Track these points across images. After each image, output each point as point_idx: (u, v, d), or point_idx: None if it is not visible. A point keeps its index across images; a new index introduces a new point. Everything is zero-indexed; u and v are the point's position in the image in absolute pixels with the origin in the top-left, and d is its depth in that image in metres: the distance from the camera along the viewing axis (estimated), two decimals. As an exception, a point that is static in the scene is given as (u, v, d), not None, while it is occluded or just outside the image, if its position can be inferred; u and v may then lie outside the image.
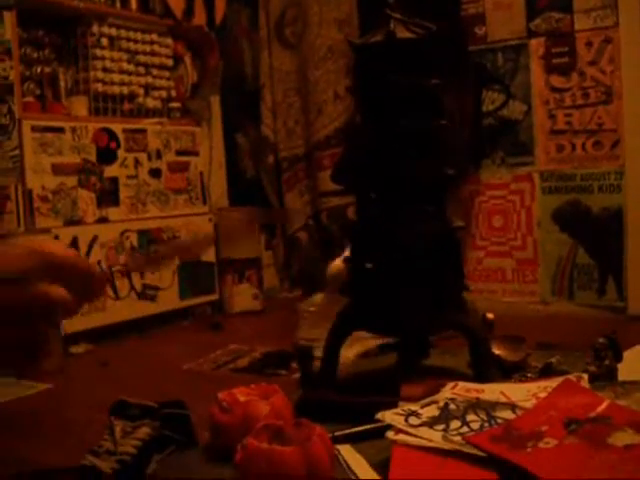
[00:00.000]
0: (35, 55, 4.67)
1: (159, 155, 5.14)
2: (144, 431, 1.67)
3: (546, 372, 1.64)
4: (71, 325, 4.29)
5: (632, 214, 4.71)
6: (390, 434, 1.23)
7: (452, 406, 1.32)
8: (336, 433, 1.30)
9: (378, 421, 1.30)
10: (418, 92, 1.60)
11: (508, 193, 5.16)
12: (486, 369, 1.59)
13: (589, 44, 4.86)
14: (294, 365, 3.31)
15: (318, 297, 1.99)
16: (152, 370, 3.91)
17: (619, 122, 4.78)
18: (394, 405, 1.34)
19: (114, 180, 4.82)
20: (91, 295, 0.80)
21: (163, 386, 3.42)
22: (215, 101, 5.83)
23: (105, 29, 4.91)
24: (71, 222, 4.53)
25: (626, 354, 1.67)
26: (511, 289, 5.17)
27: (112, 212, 4.79)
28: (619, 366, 1.58)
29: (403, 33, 1.55)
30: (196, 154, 5.46)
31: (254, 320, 5.15)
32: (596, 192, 4.86)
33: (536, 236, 5.08)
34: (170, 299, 5.09)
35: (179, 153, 5.31)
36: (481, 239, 5.23)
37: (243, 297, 5.43)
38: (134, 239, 4.88)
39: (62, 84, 4.78)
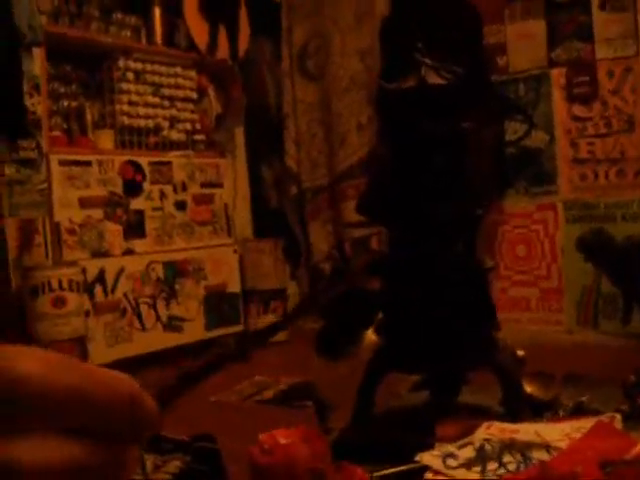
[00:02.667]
0: (62, 90, 4.75)
1: (184, 187, 5.19)
2: (175, 465, 1.68)
3: (578, 411, 1.65)
4: (98, 356, 4.34)
5: (656, 242, 4.71)
6: (429, 475, 1.25)
7: (488, 447, 1.33)
8: (375, 474, 1.32)
9: (415, 461, 1.32)
10: (446, 135, 1.63)
11: (531, 222, 5.17)
12: (518, 408, 1.61)
13: (610, 73, 4.88)
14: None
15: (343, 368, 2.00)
16: (180, 401, 3.93)
17: (642, 151, 4.79)
18: (430, 446, 1.36)
19: (140, 212, 4.87)
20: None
21: (192, 418, 3.44)
22: (239, 133, 5.89)
23: (131, 63, 4.99)
24: (98, 254, 4.58)
25: (657, 391, 1.68)
26: (536, 318, 5.16)
27: (138, 244, 4.84)
28: (651, 404, 1.60)
29: (434, 79, 1.59)
30: (220, 186, 5.51)
31: (279, 351, 5.15)
32: (619, 221, 4.86)
33: (560, 265, 5.08)
34: (196, 330, 5.13)
35: (204, 185, 5.36)
36: (505, 269, 5.24)
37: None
38: (160, 271, 4.92)
39: (89, 118, 4.85)
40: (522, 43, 5.19)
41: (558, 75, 5.07)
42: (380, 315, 1.72)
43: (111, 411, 0.42)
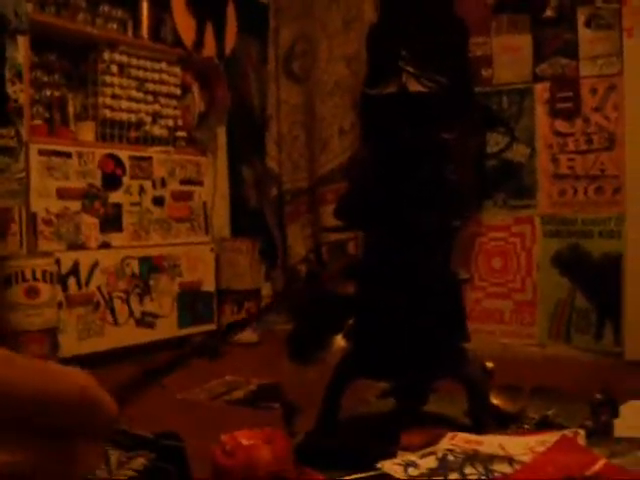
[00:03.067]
0: (45, 79, 4.72)
1: (163, 183, 5.18)
2: (140, 462, 1.67)
3: (543, 424, 1.66)
4: (69, 349, 4.31)
5: (631, 260, 4.73)
6: (389, 484, 1.25)
7: (450, 458, 1.33)
8: (336, 480, 1.32)
9: (377, 469, 1.32)
10: (427, 144, 1.63)
11: (509, 235, 5.19)
12: (483, 419, 1.61)
13: (594, 90, 4.91)
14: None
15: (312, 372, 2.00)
16: (147, 398, 3.91)
17: (621, 169, 4.81)
18: (393, 454, 1.35)
19: (118, 206, 4.85)
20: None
21: (158, 415, 3.42)
22: (221, 132, 5.88)
23: (116, 56, 4.97)
24: (73, 246, 4.55)
25: (622, 408, 1.69)
26: (508, 331, 5.18)
27: (114, 238, 4.82)
28: (615, 421, 1.60)
29: (415, 87, 1.59)
30: (200, 184, 5.50)
31: (251, 351, 5.15)
32: (596, 237, 4.89)
33: (535, 278, 5.11)
34: (169, 327, 5.11)
35: (183, 182, 5.34)
36: (480, 280, 5.25)
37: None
38: (135, 266, 4.90)
39: (71, 109, 4.82)
40: (507, 56, 5.22)
41: (542, 90, 5.09)
42: (351, 320, 1.72)
43: (61, 406, 0.41)
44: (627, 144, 4.78)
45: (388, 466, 1.28)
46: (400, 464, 1.29)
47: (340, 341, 1.76)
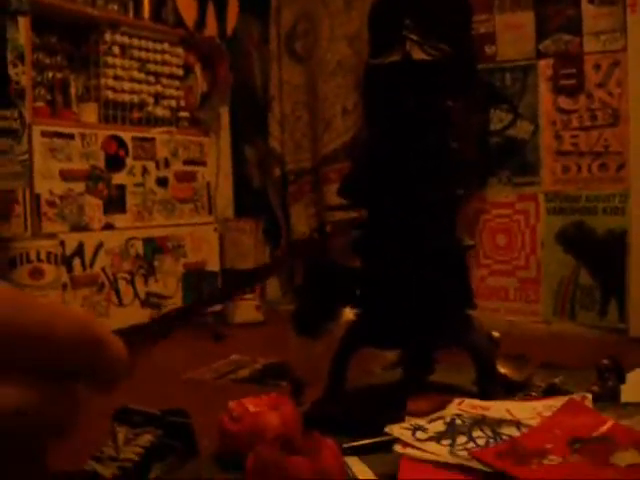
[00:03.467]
0: (47, 61, 4.71)
1: (167, 164, 5.18)
2: (146, 438, 1.68)
3: (550, 392, 1.65)
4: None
5: (635, 237, 4.73)
6: (398, 447, 1.24)
7: (458, 422, 1.34)
8: (344, 445, 1.32)
9: (385, 434, 1.32)
10: (431, 113, 1.63)
11: (513, 212, 5.18)
12: (491, 387, 1.61)
13: (597, 66, 4.89)
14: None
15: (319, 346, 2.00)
16: (154, 378, 3.93)
17: (625, 145, 4.80)
18: (401, 420, 1.36)
19: (121, 187, 4.86)
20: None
21: (165, 394, 3.43)
22: (224, 112, 5.88)
23: (117, 37, 4.96)
24: (77, 228, 4.56)
25: (629, 376, 1.69)
26: (513, 308, 5.18)
27: (118, 219, 4.83)
28: (622, 387, 1.61)
29: (418, 55, 1.58)
30: (203, 164, 5.50)
31: (256, 331, 5.16)
32: (600, 214, 4.88)
33: (539, 256, 5.10)
34: (174, 307, 5.11)
35: (187, 163, 5.35)
36: (485, 257, 5.25)
37: (245, 308, 5.45)
38: (139, 247, 4.91)
39: (73, 90, 4.82)
40: (510, 33, 5.20)
41: (545, 66, 5.07)
42: (357, 290, 1.72)
43: (65, 344, 0.40)
44: (631, 120, 4.77)
45: (397, 430, 1.28)
46: (408, 428, 1.29)
47: (349, 313, 1.77)
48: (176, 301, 5.14)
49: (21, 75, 4.30)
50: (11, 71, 4.22)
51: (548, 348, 4.24)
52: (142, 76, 5.15)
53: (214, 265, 5.47)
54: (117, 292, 4.75)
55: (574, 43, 4.96)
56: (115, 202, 4.81)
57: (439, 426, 1.32)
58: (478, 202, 5.18)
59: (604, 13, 4.84)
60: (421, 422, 1.33)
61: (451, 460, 1.20)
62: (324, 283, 1.92)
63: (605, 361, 1.63)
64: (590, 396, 1.43)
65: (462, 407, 1.41)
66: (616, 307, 4.83)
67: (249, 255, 5.56)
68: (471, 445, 1.25)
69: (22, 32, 4.30)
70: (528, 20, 5.13)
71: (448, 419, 1.35)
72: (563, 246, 5.01)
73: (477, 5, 5.01)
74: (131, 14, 5.15)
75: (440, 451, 1.23)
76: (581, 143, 4.96)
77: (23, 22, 4.30)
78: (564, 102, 5.02)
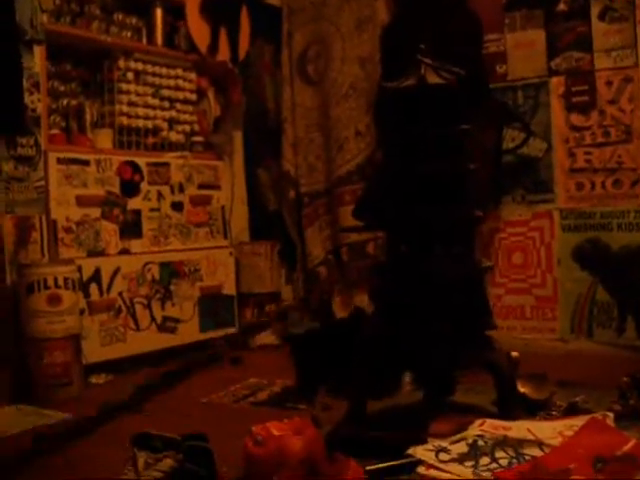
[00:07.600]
0: (62, 88, 4.74)
1: (181, 188, 5.20)
2: (167, 463, 1.68)
3: (571, 411, 1.65)
4: (92, 355, 4.34)
5: (651, 252, 4.71)
6: (421, 469, 1.25)
7: (481, 443, 1.34)
8: (368, 467, 1.32)
9: (408, 456, 1.32)
10: (447, 137, 1.64)
11: (528, 230, 5.17)
12: (512, 407, 1.61)
13: (609, 83, 4.89)
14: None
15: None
16: (172, 403, 3.93)
17: (639, 161, 4.80)
18: (423, 441, 1.36)
19: (137, 212, 4.88)
20: None
21: (183, 419, 3.43)
22: (237, 136, 5.90)
23: (131, 63, 4.99)
24: (94, 253, 4.58)
25: (650, 394, 1.68)
26: (530, 326, 5.16)
27: (134, 244, 4.84)
28: (644, 406, 1.60)
29: (434, 78, 1.59)
30: (218, 188, 5.52)
31: (274, 354, 5.15)
32: (615, 230, 4.87)
33: (556, 274, 5.09)
34: (190, 331, 5.13)
35: (201, 187, 5.37)
36: (501, 276, 5.24)
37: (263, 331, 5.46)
38: (155, 271, 4.92)
39: (88, 117, 4.85)
40: (521, 52, 5.21)
41: (557, 84, 5.08)
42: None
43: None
44: (644, 136, 4.77)
45: (420, 452, 1.29)
46: (431, 450, 1.30)
47: (407, 378, 1.77)
48: (193, 325, 5.15)
49: (37, 103, 4.35)
50: (27, 99, 4.26)
51: (566, 366, 4.23)
52: (156, 102, 5.17)
53: (230, 289, 5.47)
54: (134, 317, 4.76)
55: (585, 60, 4.97)
56: (131, 227, 4.83)
57: (462, 447, 1.32)
58: (493, 221, 5.17)
59: (615, 30, 4.85)
60: (444, 443, 1.33)
61: (475, 481, 1.20)
62: (380, 356, 1.89)
63: (626, 379, 1.63)
64: (612, 415, 1.43)
65: (484, 428, 1.41)
66: (634, 324, 4.81)
67: (265, 278, 5.57)
68: (494, 466, 1.25)
69: (37, 60, 4.34)
70: (539, 38, 5.15)
71: (470, 440, 1.35)
72: (579, 263, 5.00)
73: (487, 25, 5.01)
74: (144, 41, 5.19)
75: (463, 472, 1.23)
76: (594, 160, 4.96)
77: (38, 51, 4.34)
78: (576, 119, 5.02)
